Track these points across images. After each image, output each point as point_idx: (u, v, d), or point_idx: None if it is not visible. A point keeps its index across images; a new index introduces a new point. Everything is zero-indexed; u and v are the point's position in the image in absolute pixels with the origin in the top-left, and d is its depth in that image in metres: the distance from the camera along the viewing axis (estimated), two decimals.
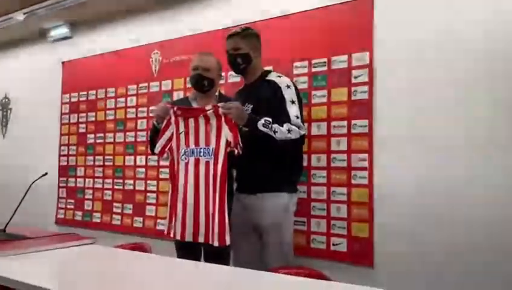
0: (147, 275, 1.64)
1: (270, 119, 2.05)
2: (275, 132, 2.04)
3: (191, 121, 2.18)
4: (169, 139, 2.22)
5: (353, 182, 2.51)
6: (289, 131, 2.06)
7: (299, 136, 2.09)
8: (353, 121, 2.54)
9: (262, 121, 2.04)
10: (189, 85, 3.25)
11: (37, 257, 1.83)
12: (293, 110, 2.12)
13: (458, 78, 2.26)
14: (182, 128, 2.20)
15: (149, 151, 3.43)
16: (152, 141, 2.34)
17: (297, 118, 2.12)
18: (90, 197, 3.86)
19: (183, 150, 2.19)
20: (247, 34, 2.29)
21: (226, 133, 2.06)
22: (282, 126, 2.06)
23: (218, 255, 2.22)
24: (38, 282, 1.38)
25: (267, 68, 2.48)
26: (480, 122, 2.19)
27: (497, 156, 2.15)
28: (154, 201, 3.42)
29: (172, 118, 2.21)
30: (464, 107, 2.23)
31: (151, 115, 3.51)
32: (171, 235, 2.20)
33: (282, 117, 2.09)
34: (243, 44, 2.27)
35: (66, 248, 2.00)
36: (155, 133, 2.29)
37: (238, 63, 2.29)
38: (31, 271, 1.64)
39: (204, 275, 1.70)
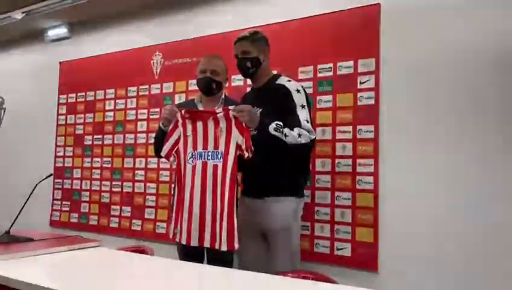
0: (156, 277, 1.63)
1: (281, 123, 2.05)
2: (285, 135, 2.03)
3: (200, 124, 2.16)
4: (176, 142, 2.19)
5: (358, 187, 2.52)
6: (299, 135, 2.06)
7: (309, 140, 2.09)
8: (358, 126, 2.55)
9: (273, 125, 2.03)
10: (191, 88, 3.30)
11: (44, 259, 1.81)
12: (303, 115, 2.12)
13: (466, 86, 2.29)
14: (189, 131, 2.18)
15: (149, 154, 3.43)
16: (158, 143, 2.32)
17: (308, 122, 2.12)
18: (87, 199, 3.81)
19: (190, 153, 2.17)
20: (256, 38, 2.28)
21: (236, 137, 2.04)
22: (292, 130, 2.06)
23: (221, 260, 2.20)
24: (46, 284, 1.37)
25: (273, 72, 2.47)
26: (486, 130, 2.23)
27: (501, 163, 2.18)
28: (153, 204, 3.39)
29: (180, 121, 2.19)
30: (471, 115, 2.27)
31: (154, 117, 3.49)
32: (177, 239, 2.18)
33: (292, 121, 2.09)
34: (252, 48, 2.26)
35: (72, 250, 1.98)
36: (161, 136, 2.27)
37: (248, 67, 2.28)
38: (39, 273, 1.62)
39: (213, 277, 1.70)
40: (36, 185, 2.16)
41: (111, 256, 1.99)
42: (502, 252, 2.14)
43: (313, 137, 2.12)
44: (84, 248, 2.04)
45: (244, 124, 2.02)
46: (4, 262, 1.67)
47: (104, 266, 1.83)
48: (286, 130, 2.05)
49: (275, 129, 2.03)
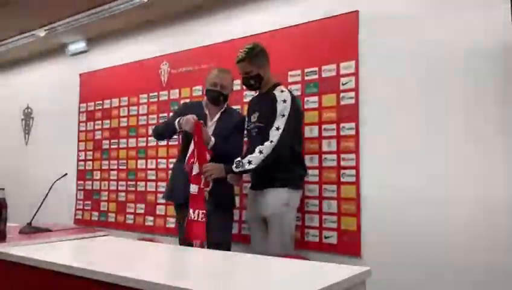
0: (156, 258, 1.92)
1: (239, 158, 2.40)
2: (249, 163, 2.36)
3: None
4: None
5: (342, 180, 2.75)
6: (260, 152, 2.36)
7: (270, 150, 2.36)
8: (341, 124, 2.78)
9: (234, 165, 2.39)
10: (194, 94, 3.59)
11: (61, 245, 2.12)
12: (277, 123, 2.39)
13: (436, 85, 2.48)
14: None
15: (159, 155, 3.76)
16: (162, 132, 2.79)
17: (278, 129, 2.38)
18: (106, 198, 4.17)
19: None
20: (253, 54, 2.53)
21: None
22: (253, 152, 2.37)
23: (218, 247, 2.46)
24: (64, 262, 1.65)
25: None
26: (459, 123, 2.41)
27: (478, 157, 2.34)
28: (164, 201, 3.68)
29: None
30: (442, 109, 2.45)
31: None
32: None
33: (272, 128, 2.39)
34: (252, 67, 2.53)
35: (84, 238, 2.30)
36: (171, 129, 2.66)
37: (251, 84, 2.60)
38: (56, 255, 1.92)
39: (212, 258, 1.96)
40: (53, 183, 2.49)
41: (117, 243, 2.30)
42: (487, 230, 2.29)
43: (274, 144, 2.36)
44: (94, 237, 2.36)
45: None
46: (27, 247, 2.00)
47: (111, 249, 2.13)
48: (246, 158, 2.37)
49: (236, 167, 2.39)
